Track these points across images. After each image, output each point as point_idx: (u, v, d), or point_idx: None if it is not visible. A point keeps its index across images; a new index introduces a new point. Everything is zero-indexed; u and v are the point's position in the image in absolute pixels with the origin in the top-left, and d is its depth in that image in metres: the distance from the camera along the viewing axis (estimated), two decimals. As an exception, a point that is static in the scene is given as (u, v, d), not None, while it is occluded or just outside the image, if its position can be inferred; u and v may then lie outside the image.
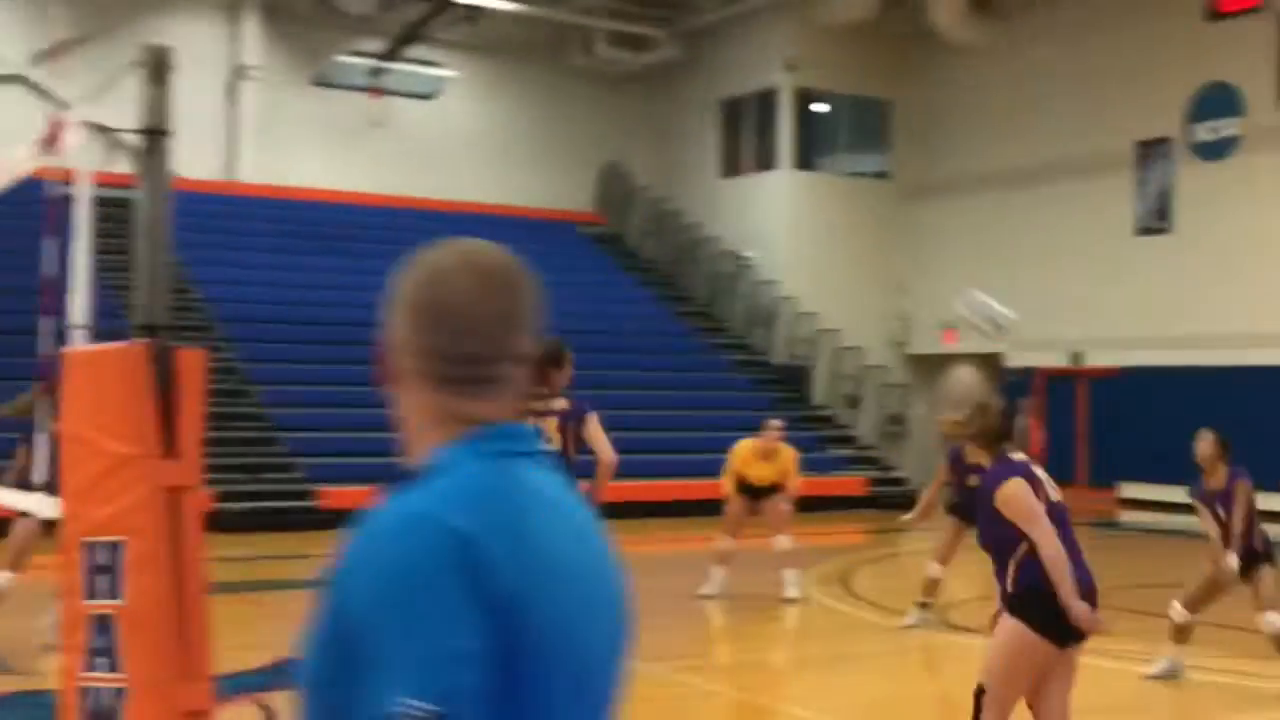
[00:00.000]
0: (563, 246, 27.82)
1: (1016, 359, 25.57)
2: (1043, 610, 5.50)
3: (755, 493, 12.48)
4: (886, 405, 24.87)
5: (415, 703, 1.48)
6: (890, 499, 22.37)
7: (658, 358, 24.41)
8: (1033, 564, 5.52)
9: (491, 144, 28.28)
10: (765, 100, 27.37)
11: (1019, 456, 5.83)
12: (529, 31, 27.88)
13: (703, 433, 21.61)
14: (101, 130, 5.66)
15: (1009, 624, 5.65)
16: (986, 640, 6.07)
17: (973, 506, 11.31)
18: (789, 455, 12.59)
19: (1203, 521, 9.03)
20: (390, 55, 23.07)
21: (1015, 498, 5.58)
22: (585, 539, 1.74)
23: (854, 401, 25.07)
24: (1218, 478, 8.96)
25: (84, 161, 5.68)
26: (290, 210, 25.14)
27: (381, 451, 18.77)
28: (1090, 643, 5.68)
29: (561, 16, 27.22)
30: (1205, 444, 8.91)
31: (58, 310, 5.82)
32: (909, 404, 25.55)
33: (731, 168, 28.48)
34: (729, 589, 12.29)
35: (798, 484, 12.75)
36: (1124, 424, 22.94)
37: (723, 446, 21.59)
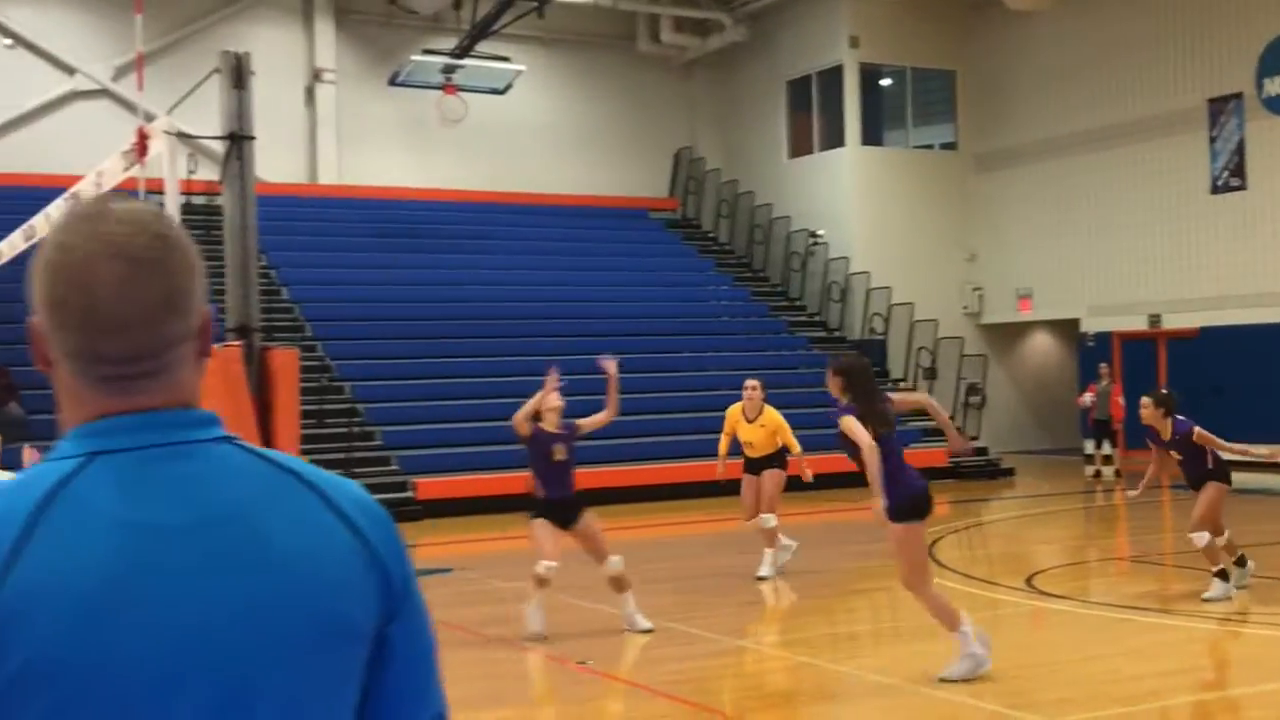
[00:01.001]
0: (639, 233, 27.77)
1: (1094, 324, 25.15)
2: None
3: (755, 465, 12.17)
4: (964, 376, 24.53)
5: None
6: (972, 469, 22.09)
7: (737, 338, 24.29)
8: None
9: (564, 135, 28.24)
10: (830, 78, 27.09)
11: None
12: (596, 21, 27.79)
13: (783, 410, 21.48)
14: (186, 138, 5.67)
15: None
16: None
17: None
18: (774, 416, 12.20)
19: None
20: (462, 52, 23.04)
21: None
22: (175, 549, 1.41)
23: (931, 373, 24.77)
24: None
25: (171, 169, 5.67)
26: (372, 209, 25.26)
27: (473, 440, 18.97)
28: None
29: (628, 5, 27.10)
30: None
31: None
32: (986, 374, 25.21)
33: (800, 147, 28.23)
34: (812, 564, 12.17)
35: (797, 448, 12.23)
36: (1204, 385, 22.50)
37: (805, 424, 21.44)
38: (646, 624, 9.74)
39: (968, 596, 11.34)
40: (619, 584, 9.71)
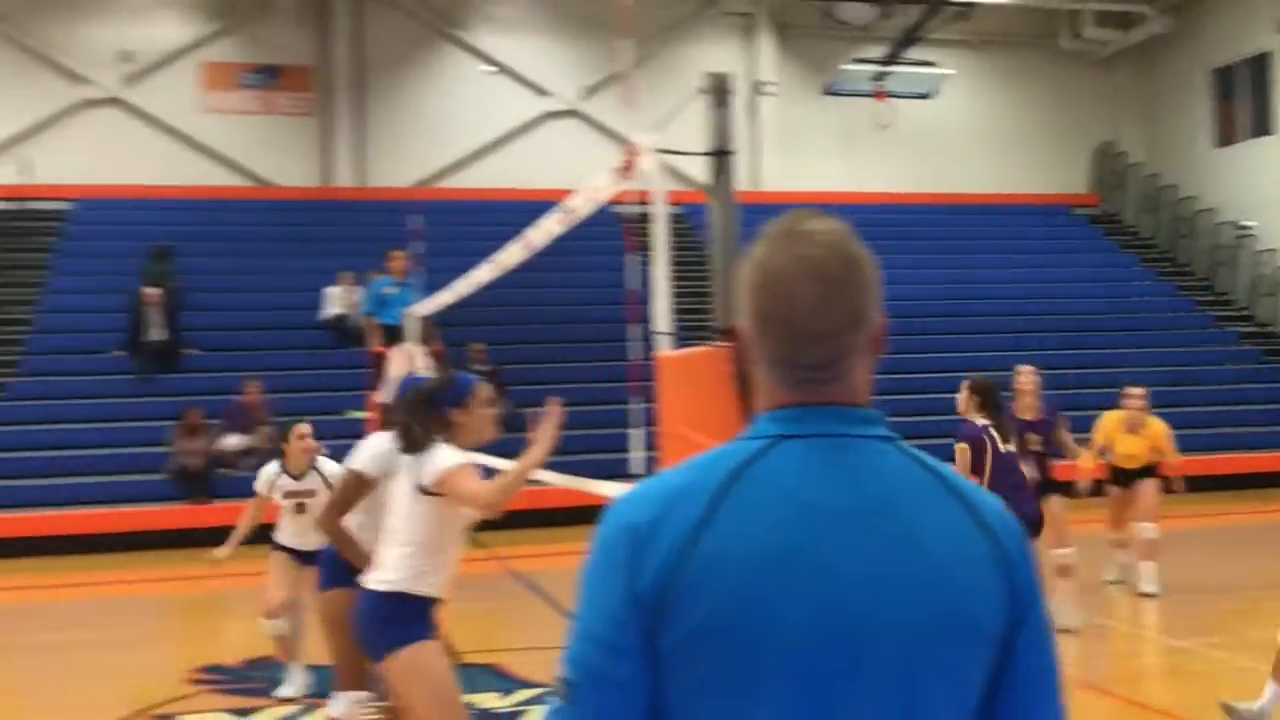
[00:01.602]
0: (1061, 230, 26.74)
1: None
2: None
3: (1126, 476, 11.04)
4: None
5: (564, 670, 1.55)
6: None
7: (1162, 334, 23.01)
8: None
9: (987, 135, 27.48)
10: (1258, 64, 25.17)
11: None
12: (1018, 21, 26.93)
13: (1214, 408, 20.15)
14: (672, 154, 5.89)
15: None
16: None
17: None
18: (1158, 429, 10.96)
19: None
20: (891, 60, 22.86)
21: None
22: (839, 530, 1.50)
23: (1370, 371, 22.61)
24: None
25: (660, 185, 5.89)
26: (812, 214, 25.32)
27: (906, 436, 18.60)
28: None
29: (1050, 3, 26.09)
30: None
31: (643, 319, 6.09)
32: None
33: (1225, 137, 26.39)
34: (1235, 566, 11.37)
35: (1176, 462, 10.97)
36: None
37: (1236, 422, 19.98)
38: (1073, 622, 9.22)
39: None
40: (1064, 572, 9.41)
